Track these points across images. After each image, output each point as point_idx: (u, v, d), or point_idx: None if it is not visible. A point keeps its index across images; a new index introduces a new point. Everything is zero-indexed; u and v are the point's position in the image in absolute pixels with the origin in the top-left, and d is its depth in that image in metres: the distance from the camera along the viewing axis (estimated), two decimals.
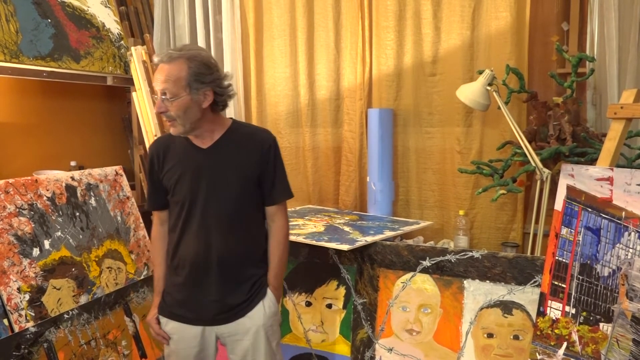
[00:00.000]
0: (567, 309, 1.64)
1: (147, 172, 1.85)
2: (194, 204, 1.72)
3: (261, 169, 1.75)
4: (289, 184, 1.85)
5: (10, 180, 2.04)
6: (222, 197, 1.72)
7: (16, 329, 1.86)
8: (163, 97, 1.61)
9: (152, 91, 2.81)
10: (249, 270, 1.77)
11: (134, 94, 2.85)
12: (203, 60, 1.64)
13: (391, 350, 2.11)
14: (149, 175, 1.84)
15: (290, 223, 1.91)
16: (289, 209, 1.90)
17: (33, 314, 1.94)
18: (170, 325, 1.79)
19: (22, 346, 1.86)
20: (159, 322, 1.82)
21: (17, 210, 2.02)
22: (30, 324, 1.91)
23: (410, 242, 2.40)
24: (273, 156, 1.77)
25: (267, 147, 1.76)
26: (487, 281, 1.96)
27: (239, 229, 1.75)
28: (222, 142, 1.74)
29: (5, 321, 1.85)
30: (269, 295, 1.78)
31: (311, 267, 2.29)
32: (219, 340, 1.82)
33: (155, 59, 1.67)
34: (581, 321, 1.62)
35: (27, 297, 1.94)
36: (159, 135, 2.77)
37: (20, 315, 1.90)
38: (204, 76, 1.63)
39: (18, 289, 1.92)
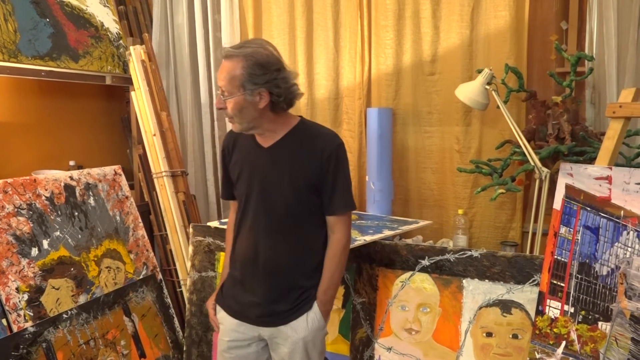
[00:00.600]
0: (565, 307, 1.64)
1: (221, 161, 1.87)
2: (249, 203, 1.70)
3: (319, 176, 1.64)
4: (351, 194, 1.73)
5: (9, 180, 2.04)
6: (273, 200, 1.66)
7: (15, 329, 1.86)
8: (222, 92, 1.60)
9: (151, 89, 2.81)
10: (298, 280, 1.70)
11: (132, 93, 2.84)
12: (258, 60, 1.56)
13: (390, 349, 2.11)
14: (221, 165, 1.86)
15: None
16: None
17: (32, 314, 1.94)
18: (220, 314, 1.79)
19: (21, 346, 1.86)
20: (215, 308, 1.83)
21: (16, 210, 2.02)
22: (28, 324, 1.91)
23: (409, 241, 2.40)
24: (334, 163, 1.64)
25: (329, 154, 1.63)
26: (486, 280, 1.95)
27: (290, 236, 1.68)
28: (283, 143, 1.67)
29: (4, 321, 1.85)
30: (315, 309, 1.70)
31: None
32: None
33: (221, 53, 1.67)
34: (580, 320, 1.62)
35: (26, 297, 1.94)
36: (157, 135, 2.77)
37: (18, 315, 1.90)
38: (256, 77, 1.55)
39: (17, 288, 1.92)
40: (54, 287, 2.06)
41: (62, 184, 2.26)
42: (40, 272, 2.02)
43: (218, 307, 1.81)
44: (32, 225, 2.06)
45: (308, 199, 1.67)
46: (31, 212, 2.07)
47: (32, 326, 1.91)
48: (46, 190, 2.17)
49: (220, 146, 2.97)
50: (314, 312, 1.70)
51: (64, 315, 2.05)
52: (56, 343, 1.99)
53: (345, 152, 1.71)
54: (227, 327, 1.77)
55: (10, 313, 1.87)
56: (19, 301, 1.91)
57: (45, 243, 2.08)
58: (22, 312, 1.91)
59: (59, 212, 2.19)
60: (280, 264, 1.68)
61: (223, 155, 1.83)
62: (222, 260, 2.34)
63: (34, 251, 2.03)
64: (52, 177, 2.24)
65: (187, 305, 2.48)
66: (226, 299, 1.79)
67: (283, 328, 1.69)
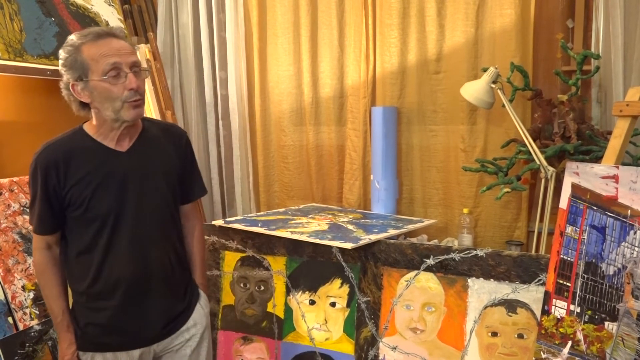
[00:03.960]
0: (572, 307, 1.64)
1: (39, 188, 1.50)
2: (121, 216, 1.52)
3: (183, 163, 1.71)
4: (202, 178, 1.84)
5: (15, 179, 2.05)
6: (153, 203, 1.59)
7: (21, 327, 1.87)
8: (135, 69, 1.49)
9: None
10: (182, 275, 1.72)
11: None
12: None
13: (395, 348, 2.11)
14: (41, 192, 1.50)
15: (294, 221, 1.82)
16: (292, 207, 1.83)
17: (37, 312, 1.95)
18: (98, 359, 1.57)
19: (27, 344, 1.87)
20: None
21: (22, 208, 2.03)
22: (34, 322, 1.91)
23: (414, 240, 2.40)
24: (190, 148, 1.75)
25: (185, 140, 1.73)
26: (492, 280, 1.95)
27: (170, 235, 1.67)
28: (141, 142, 1.60)
29: (10, 319, 1.86)
30: (202, 295, 1.77)
31: (315, 266, 2.29)
32: None
33: (95, 32, 1.47)
34: (586, 320, 1.61)
35: (32, 295, 1.95)
36: None
37: (24, 314, 1.90)
38: None
39: (22, 287, 1.93)
40: None
41: None
42: None
43: (89, 354, 1.57)
44: None
45: (176, 193, 1.69)
46: None
47: (37, 324, 1.92)
48: None
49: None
50: (203, 298, 1.77)
51: None
52: None
53: None
54: None
55: (16, 311, 1.88)
56: (25, 299, 1.92)
57: None
58: (28, 311, 1.92)
59: None
60: (170, 266, 1.65)
61: (46, 178, 1.49)
62: (227, 259, 2.34)
63: None
64: None
65: None
66: (101, 338, 1.57)
67: (185, 327, 1.69)
